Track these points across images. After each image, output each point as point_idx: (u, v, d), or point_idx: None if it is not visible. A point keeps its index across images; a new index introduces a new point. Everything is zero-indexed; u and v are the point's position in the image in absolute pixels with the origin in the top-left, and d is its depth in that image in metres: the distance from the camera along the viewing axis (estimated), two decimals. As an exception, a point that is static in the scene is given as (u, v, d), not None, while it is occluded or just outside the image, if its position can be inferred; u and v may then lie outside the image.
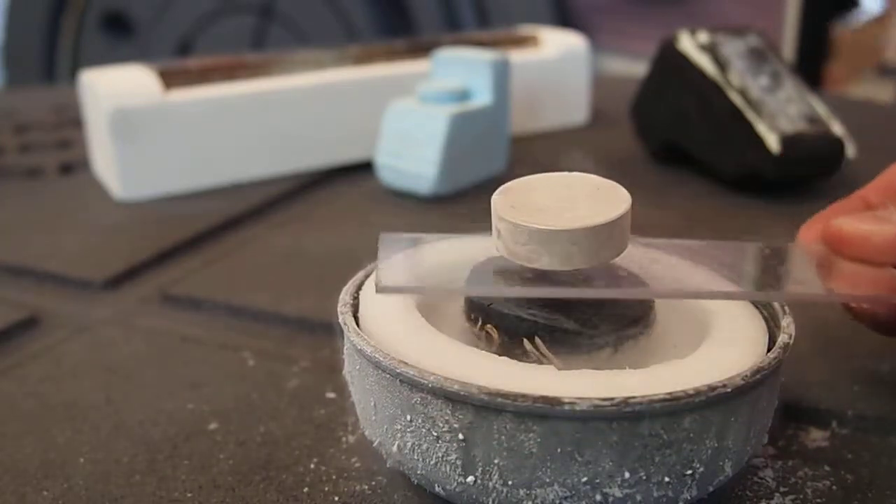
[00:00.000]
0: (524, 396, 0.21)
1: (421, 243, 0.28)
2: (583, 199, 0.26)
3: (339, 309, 0.27)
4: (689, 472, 0.23)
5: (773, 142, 0.50)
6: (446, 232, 0.29)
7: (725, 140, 0.53)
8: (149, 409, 0.32)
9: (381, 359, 0.23)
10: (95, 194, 0.56)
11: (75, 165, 0.63)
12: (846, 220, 0.27)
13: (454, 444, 0.23)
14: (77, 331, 0.39)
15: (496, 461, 0.22)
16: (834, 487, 0.27)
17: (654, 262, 0.27)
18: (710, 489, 0.24)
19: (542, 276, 0.25)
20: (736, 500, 0.26)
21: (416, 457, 0.24)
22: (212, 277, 0.44)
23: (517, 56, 0.64)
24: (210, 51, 0.95)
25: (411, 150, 0.53)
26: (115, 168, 0.54)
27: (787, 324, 0.26)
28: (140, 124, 0.53)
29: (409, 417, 0.23)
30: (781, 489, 0.27)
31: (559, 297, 0.25)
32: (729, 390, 0.22)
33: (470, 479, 0.23)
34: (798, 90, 0.54)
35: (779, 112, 0.52)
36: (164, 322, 0.39)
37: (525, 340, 0.25)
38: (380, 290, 0.24)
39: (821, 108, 0.53)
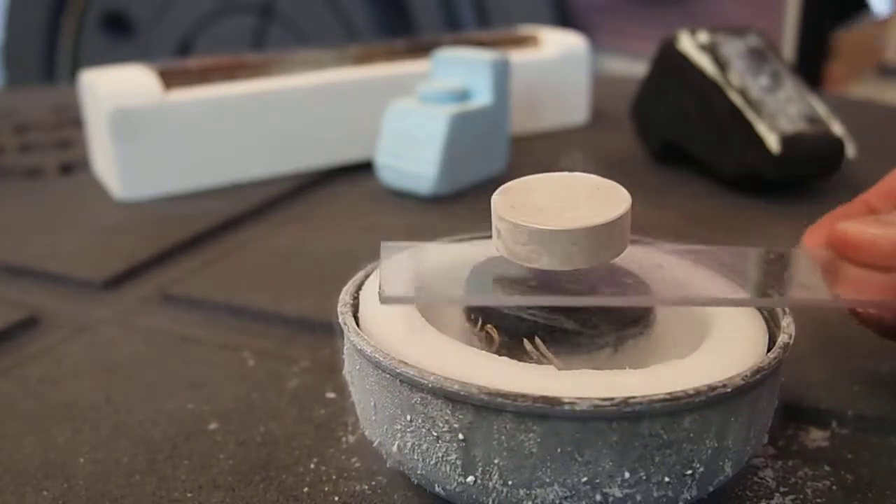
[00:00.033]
0: (524, 396, 0.21)
1: (422, 251, 0.28)
2: (583, 199, 0.26)
3: (339, 309, 0.27)
4: (689, 472, 0.23)
5: (773, 142, 0.50)
6: (446, 232, 0.29)
7: (725, 140, 0.53)
8: (149, 409, 0.32)
9: (381, 359, 0.23)
10: (95, 194, 0.56)
11: (75, 165, 0.63)
12: (851, 224, 0.27)
13: (454, 444, 0.23)
14: (77, 331, 0.39)
15: (496, 461, 0.22)
16: (834, 487, 0.27)
17: (659, 268, 0.27)
18: (710, 489, 0.24)
19: (542, 277, 0.25)
20: (736, 500, 0.26)
21: (416, 457, 0.24)
22: (212, 277, 0.44)
23: (517, 56, 0.64)
24: (210, 51, 0.95)
25: (411, 150, 0.53)
26: (115, 168, 0.54)
27: (787, 324, 0.26)
28: (140, 124, 0.53)
29: (409, 417, 0.23)
30: (781, 489, 0.27)
31: (562, 304, 0.25)
32: (729, 390, 0.22)
33: (470, 479, 0.23)
34: (798, 90, 0.54)
35: (779, 112, 0.52)
36: (164, 322, 0.39)
37: (525, 340, 0.25)
38: (383, 300, 0.24)
39: (821, 108, 0.53)
